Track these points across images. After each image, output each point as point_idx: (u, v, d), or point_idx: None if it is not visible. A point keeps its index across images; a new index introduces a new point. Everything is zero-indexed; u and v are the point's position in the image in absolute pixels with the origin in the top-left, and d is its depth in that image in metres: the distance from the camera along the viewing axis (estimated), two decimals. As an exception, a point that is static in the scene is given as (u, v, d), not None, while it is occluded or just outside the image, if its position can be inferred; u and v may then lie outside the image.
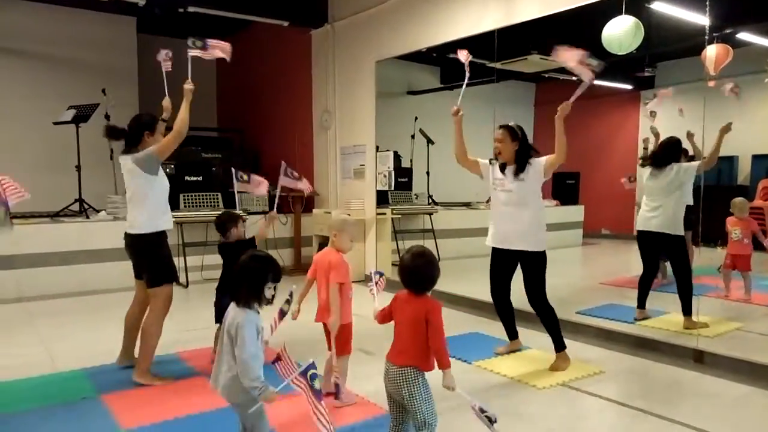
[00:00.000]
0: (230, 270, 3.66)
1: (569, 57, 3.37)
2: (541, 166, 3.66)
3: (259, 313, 2.20)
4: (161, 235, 3.50)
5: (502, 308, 3.95)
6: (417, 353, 2.24)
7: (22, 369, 3.66)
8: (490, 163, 3.86)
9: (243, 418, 2.18)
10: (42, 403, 3.13)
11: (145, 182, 3.41)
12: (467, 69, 4.06)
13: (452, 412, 2.80)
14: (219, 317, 3.78)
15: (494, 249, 3.87)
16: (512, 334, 4.01)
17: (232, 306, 2.19)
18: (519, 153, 3.68)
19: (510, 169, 3.74)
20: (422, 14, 6.09)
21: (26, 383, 3.45)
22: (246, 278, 2.18)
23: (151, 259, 3.47)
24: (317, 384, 2.07)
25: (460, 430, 2.74)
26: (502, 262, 3.82)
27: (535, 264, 3.69)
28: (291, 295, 2.67)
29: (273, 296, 2.21)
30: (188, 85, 3.60)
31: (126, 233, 3.51)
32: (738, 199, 5.14)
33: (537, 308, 3.73)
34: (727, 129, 4.40)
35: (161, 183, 3.51)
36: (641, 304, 4.70)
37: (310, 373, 2.08)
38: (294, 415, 2.87)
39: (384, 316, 2.45)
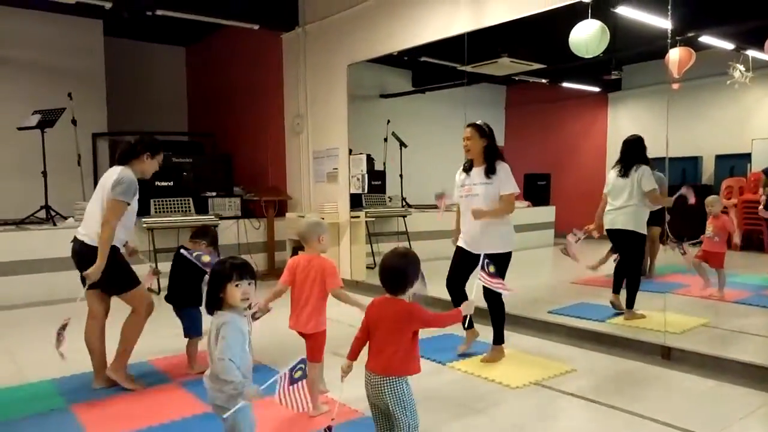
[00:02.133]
0: (185, 280, 3.70)
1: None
2: (504, 176, 3.77)
3: (245, 316, 2.19)
4: (114, 250, 3.35)
5: (457, 298, 3.97)
6: (399, 358, 2.20)
7: (-8, 380, 3.57)
8: (462, 172, 3.99)
9: (227, 426, 2.17)
10: (9, 416, 3.06)
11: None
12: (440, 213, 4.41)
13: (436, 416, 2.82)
14: (185, 332, 3.77)
15: (460, 248, 3.97)
16: (469, 324, 3.92)
17: (212, 318, 2.19)
18: (487, 151, 3.81)
19: (478, 171, 3.84)
20: (393, 18, 6.13)
21: (-7, 395, 3.37)
22: (210, 281, 2.20)
23: (114, 268, 3.32)
24: (297, 373, 2.15)
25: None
26: (466, 260, 3.89)
27: (499, 263, 3.73)
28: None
29: (249, 294, 2.18)
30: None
31: (79, 240, 3.34)
32: (711, 197, 5.25)
33: (490, 302, 3.84)
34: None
35: (132, 209, 3.42)
36: (616, 288, 4.82)
37: (296, 368, 2.15)
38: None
39: (363, 331, 2.36)
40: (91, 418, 3.01)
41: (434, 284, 2.40)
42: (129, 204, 3.32)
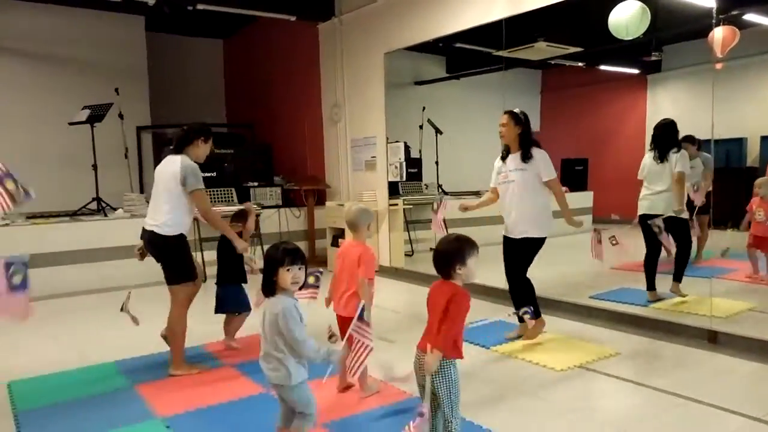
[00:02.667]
0: (223, 260, 3.96)
1: None
2: (542, 164, 3.85)
3: (295, 299, 2.30)
4: (182, 237, 3.56)
5: (516, 288, 4.06)
6: (447, 340, 2.25)
7: (55, 364, 3.78)
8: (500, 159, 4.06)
9: (289, 401, 2.30)
10: (77, 395, 3.25)
11: (183, 190, 3.48)
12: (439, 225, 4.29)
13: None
14: (217, 308, 3.98)
15: (505, 237, 4.06)
16: (520, 318, 4.06)
17: (267, 301, 2.30)
18: (522, 137, 3.90)
19: (513, 157, 3.94)
20: (430, 5, 6.14)
21: (60, 377, 3.58)
22: (264, 266, 2.31)
23: (172, 259, 3.53)
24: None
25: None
26: (512, 249, 4.00)
27: (529, 247, 3.91)
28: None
29: (299, 278, 2.30)
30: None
31: (148, 230, 3.53)
32: (761, 179, 5.14)
33: (516, 282, 3.97)
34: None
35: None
36: (651, 285, 4.79)
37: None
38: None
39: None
40: (154, 396, 3.19)
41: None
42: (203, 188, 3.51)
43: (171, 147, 3.61)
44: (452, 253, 2.32)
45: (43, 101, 7.77)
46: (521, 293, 3.99)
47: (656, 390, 3.12)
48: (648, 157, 4.76)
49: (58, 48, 7.96)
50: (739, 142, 7.41)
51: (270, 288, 2.29)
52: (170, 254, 3.52)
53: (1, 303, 2.14)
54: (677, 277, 4.73)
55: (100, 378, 3.54)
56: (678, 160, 4.54)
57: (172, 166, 3.48)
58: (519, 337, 4.06)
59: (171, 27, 9.24)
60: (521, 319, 4.04)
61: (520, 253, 3.93)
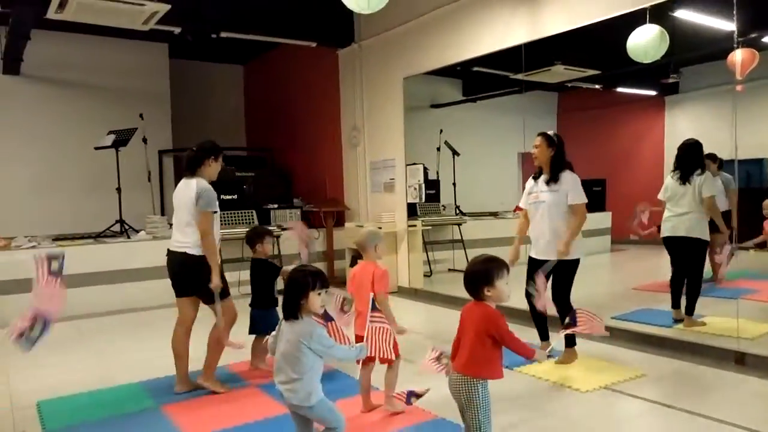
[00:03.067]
0: (256, 284, 3.97)
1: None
2: (571, 186, 3.85)
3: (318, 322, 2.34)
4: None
5: (536, 311, 4.00)
6: (478, 361, 2.30)
7: (80, 384, 3.83)
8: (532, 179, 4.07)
9: (315, 420, 2.32)
10: (105, 415, 3.29)
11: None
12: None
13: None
14: (251, 329, 4.02)
15: (531, 258, 4.03)
16: (543, 336, 4.08)
17: (287, 324, 2.32)
18: (554, 159, 3.89)
19: (545, 179, 3.94)
20: (448, 31, 6.24)
21: (87, 397, 3.62)
22: (289, 290, 2.32)
23: (207, 278, 3.49)
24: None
25: (511, 433, 2.83)
26: (535, 268, 3.90)
27: (566, 269, 3.87)
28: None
29: (326, 302, 2.37)
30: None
31: (178, 252, 3.54)
32: None
33: (560, 306, 3.88)
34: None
35: (217, 214, 3.64)
36: (676, 303, 4.74)
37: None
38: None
39: (456, 340, 2.46)
40: (182, 417, 3.21)
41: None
42: (216, 212, 3.54)
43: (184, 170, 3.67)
44: (479, 275, 2.34)
45: (70, 126, 8.01)
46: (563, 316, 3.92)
47: (686, 412, 3.08)
48: (670, 179, 4.72)
49: (85, 75, 8.20)
50: (759, 163, 7.37)
51: (294, 311, 2.30)
52: (202, 272, 3.49)
53: (40, 294, 2.29)
54: (689, 311, 4.61)
55: (126, 398, 3.57)
56: (704, 182, 4.46)
57: (189, 190, 3.53)
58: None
59: (193, 53, 9.46)
60: (546, 338, 4.04)
61: (558, 277, 3.89)
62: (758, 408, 3.14)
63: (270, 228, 4.30)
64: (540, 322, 4.08)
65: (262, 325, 3.96)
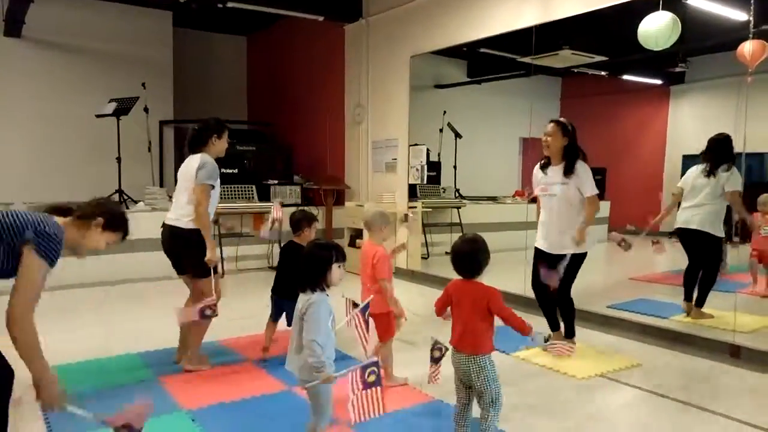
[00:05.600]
0: (287, 270, 3.78)
1: None
2: (584, 178, 3.74)
3: (328, 295, 2.33)
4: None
5: (543, 300, 4.02)
6: (482, 338, 2.37)
7: (78, 353, 3.81)
8: (540, 169, 3.98)
9: (310, 397, 2.32)
10: (103, 385, 3.29)
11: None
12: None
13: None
14: (275, 316, 3.86)
15: (538, 249, 3.97)
16: (554, 326, 4.07)
17: (301, 295, 2.32)
18: (567, 150, 3.76)
19: (556, 170, 3.81)
20: (459, 10, 6.16)
21: (85, 365, 3.62)
22: (311, 265, 2.32)
23: (198, 252, 3.48)
24: (370, 378, 2.17)
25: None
26: (545, 261, 3.88)
27: (572, 263, 3.77)
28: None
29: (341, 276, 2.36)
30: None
31: (169, 225, 3.52)
32: (765, 195, 5.18)
33: (559, 298, 3.88)
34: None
35: (216, 192, 3.57)
36: (688, 296, 4.73)
37: (369, 369, 2.17)
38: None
39: (442, 306, 2.53)
40: (179, 389, 3.22)
41: (490, 276, 2.48)
42: (213, 186, 3.49)
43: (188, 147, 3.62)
44: (479, 259, 2.44)
45: (71, 92, 7.90)
46: (563, 311, 3.95)
47: (680, 402, 3.11)
48: (695, 170, 4.66)
49: (87, 40, 8.07)
50: (761, 157, 7.36)
51: (314, 284, 2.30)
52: (193, 246, 3.49)
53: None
54: (700, 302, 4.62)
55: (124, 369, 3.57)
56: (730, 177, 4.43)
57: (192, 163, 3.50)
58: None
59: (196, 23, 9.33)
60: (557, 327, 4.07)
61: (564, 270, 3.79)
62: (750, 401, 3.17)
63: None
64: (549, 311, 4.06)
65: (290, 316, 3.88)
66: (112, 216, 2.37)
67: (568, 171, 3.74)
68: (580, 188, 3.75)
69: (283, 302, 3.82)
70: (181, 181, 3.58)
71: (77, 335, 4.34)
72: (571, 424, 2.87)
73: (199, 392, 3.18)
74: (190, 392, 3.18)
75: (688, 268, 4.75)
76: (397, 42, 6.99)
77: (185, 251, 3.53)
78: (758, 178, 7.35)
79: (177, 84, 8.85)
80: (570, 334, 3.97)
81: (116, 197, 6.84)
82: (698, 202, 4.56)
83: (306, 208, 4.28)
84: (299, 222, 3.83)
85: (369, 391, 2.18)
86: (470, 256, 2.43)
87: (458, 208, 7.92)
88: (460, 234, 7.73)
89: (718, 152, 4.53)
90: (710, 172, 4.51)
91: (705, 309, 4.63)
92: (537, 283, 3.97)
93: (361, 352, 2.55)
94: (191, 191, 3.45)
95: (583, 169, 3.76)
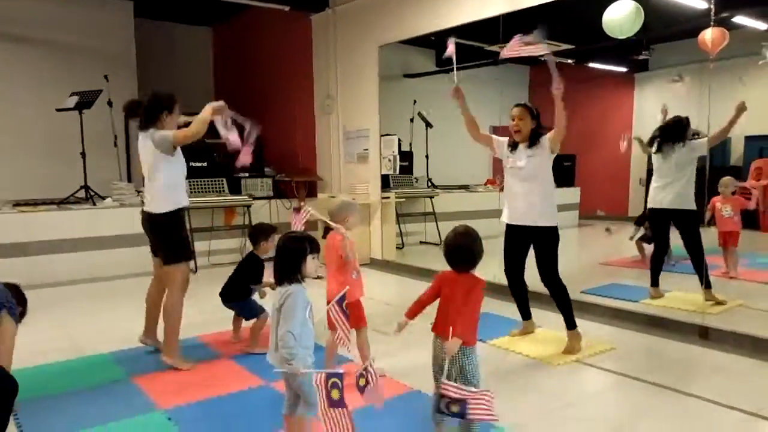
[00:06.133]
0: (238, 278, 3.85)
1: (513, 50, 3.44)
2: (546, 140, 3.71)
3: (305, 288, 2.30)
4: (179, 213, 3.51)
5: (516, 287, 4.00)
6: (472, 329, 2.38)
7: (48, 354, 3.72)
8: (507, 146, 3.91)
9: (296, 387, 2.30)
10: (75, 386, 3.21)
11: (163, 159, 3.41)
12: (454, 62, 4.00)
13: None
14: (249, 315, 3.90)
15: (508, 226, 3.89)
16: (525, 315, 4.08)
17: (278, 288, 2.29)
18: (535, 132, 3.74)
19: (521, 146, 3.79)
20: (426, -1, 6.13)
21: (55, 367, 3.53)
22: (286, 257, 2.31)
23: (168, 237, 3.48)
24: (334, 394, 2.04)
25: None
26: (516, 240, 3.85)
27: (547, 240, 3.73)
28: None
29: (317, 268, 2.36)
30: (217, 104, 3.52)
31: (143, 210, 3.56)
32: (725, 178, 5.31)
33: (549, 285, 3.78)
34: (743, 108, 4.47)
35: (178, 160, 3.51)
36: (655, 282, 4.81)
37: (332, 381, 2.04)
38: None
39: (430, 299, 2.50)
40: (154, 389, 3.15)
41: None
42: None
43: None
44: (474, 252, 2.44)
45: (30, 86, 7.60)
46: (558, 300, 3.80)
47: (653, 385, 3.18)
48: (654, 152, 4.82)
49: (45, 32, 7.76)
50: (723, 142, 7.54)
51: (292, 277, 2.29)
52: (164, 231, 3.48)
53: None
54: (708, 284, 4.54)
55: (95, 369, 3.49)
56: (690, 148, 4.62)
57: (147, 142, 3.41)
58: (524, 334, 4.06)
59: (159, 13, 9.09)
60: (528, 317, 4.07)
61: (541, 252, 3.76)
62: (720, 381, 3.25)
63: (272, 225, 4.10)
64: (522, 299, 4.05)
65: (252, 311, 3.86)
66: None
67: (533, 143, 3.70)
68: (547, 140, 3.68)
69: (231, 306, 3.93)
70: (143, 163, 3.51)
71: (45, 336, 4.20)
72: (548, 410, 2.91)
73: (174, 391, 3.13)
74: (165, 391, 3.12)
75: (655, 253, 4.84)
76: (365, 32, 6.94)
77: (155, 235, 3.56)
78: (720, 163, 7.54)
79: (142, 76, 8.61)
80: (571, 326, 3.77)
81: (82, 194, 6.67)
82: (666, 180, 4.66)
83: (264, 222, 4.30)
84: (256, 236, 3.94)
85: (335, 411, 2.05)
86: (467, 249, 2.42)
87: (431, 197, 7.94)
88: (434, 223, 7.78)
89: (676, 131, 4.69)
90: (668, 151, 4.66)
91: (671, 292, 4.73)
92: (509, 268, 3.95)
93: (344, 344, 2.52)
94: (158, 170, 3.41)
95: (542, 138, 3.72)
